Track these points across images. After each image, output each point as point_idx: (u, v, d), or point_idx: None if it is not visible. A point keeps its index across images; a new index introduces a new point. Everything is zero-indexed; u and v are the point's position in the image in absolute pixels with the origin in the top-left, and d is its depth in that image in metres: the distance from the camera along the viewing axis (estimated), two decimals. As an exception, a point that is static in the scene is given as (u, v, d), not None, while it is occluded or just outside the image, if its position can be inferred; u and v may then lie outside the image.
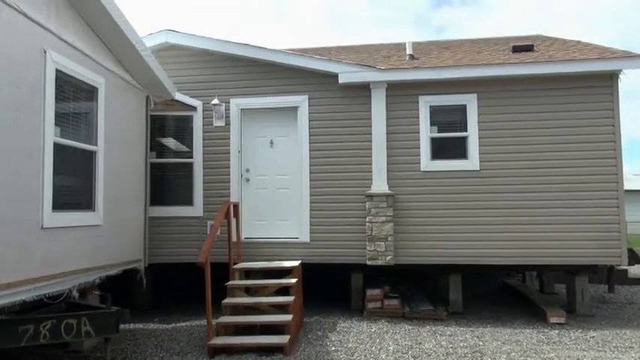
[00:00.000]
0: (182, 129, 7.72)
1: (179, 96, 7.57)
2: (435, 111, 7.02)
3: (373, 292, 7.03)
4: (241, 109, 7.50)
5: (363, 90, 7.11)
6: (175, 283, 8.43)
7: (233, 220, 6.99)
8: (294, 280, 6.06)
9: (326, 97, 7.25)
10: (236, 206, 7.06)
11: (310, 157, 7.22)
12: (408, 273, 7.78)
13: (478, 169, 6.82)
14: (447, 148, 6.97)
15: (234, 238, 6.96)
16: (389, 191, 6.89)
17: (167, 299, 8.06)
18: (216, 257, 6.70)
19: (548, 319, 6.53)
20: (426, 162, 6.94)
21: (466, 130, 6.91)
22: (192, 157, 7.55)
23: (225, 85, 7.55)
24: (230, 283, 6.18)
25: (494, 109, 6.86)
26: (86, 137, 5.12)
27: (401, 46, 9.39)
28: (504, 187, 6.76)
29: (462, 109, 6.94)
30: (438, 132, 7.01)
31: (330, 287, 8.38)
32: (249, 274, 6.87)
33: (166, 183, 7.67)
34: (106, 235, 5.40)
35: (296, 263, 6.52)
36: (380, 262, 6.75)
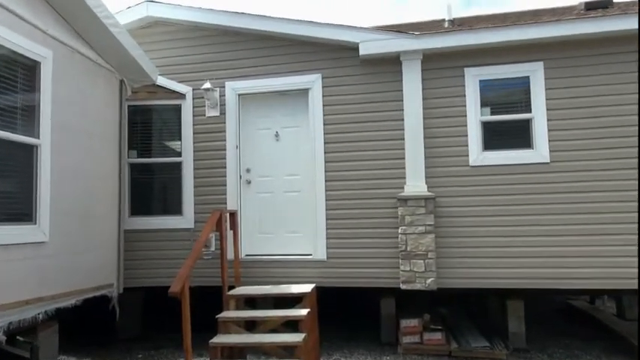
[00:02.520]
0: (169, 121, 6.73)
1: (164, 81, 6.59)
2: (486, 87, 5.74)
3: (409, 324, 5.82)
4: (239, 95, 6.45)
5: (391, 64, 5.92)
6: (171, 309, 7.45)
7: (229, 234, 5.93)
8: (304, 312, 4.91)
9: (344, 75, 6.09)
10: (233, 215, 5.98)
11: (325, 152, 6.07)
12: (450, 293, 6.52)
13: (548, 161, 5.49)
14: (505, 134, 5.67)
15: (230, 256, 5.89)
16: (428, 193, 5.65)
17: (160, 328, 7.06)
18: (211, 280, 5.68)
19: (647, 361, 5.15)
20: (477, 154, 5.67)
21: (530, 111, 5.60)
22: (180, 156, 6.54)
23: (220, 65, 6.51)
24: (223, 315, 5.08)
25: (569, 80, 5.50)
26: (23, 127, 4.13)
27: (437, 23, 8.19)
28: (585, 184, 5.39)
29: (524, 83, 5.64)
30: (492, 114, 5.72)
31: (355, 312, 7.26)
32: (250, 301, 5.78)
33: (150, 188, 6.68)
34: (57, 254, 4.39)
35: (308, 288, 5.35)
36: (418, 287, 5.51)
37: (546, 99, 5.51)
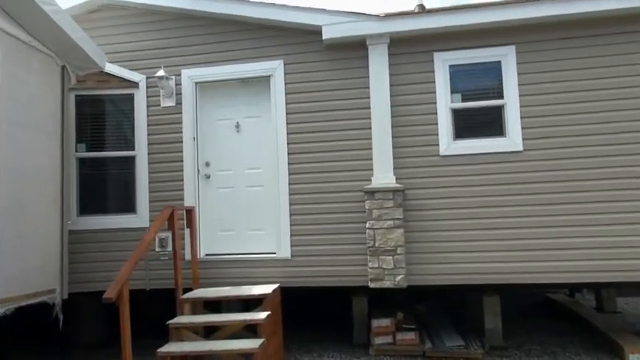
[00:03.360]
0: (121, 112, 6.28)
1: (115, 69, 6.15)
2: (457, 73, 5.47)
3: (381, 324, 5.56)
4: (196, 83, 6.04)
5: (356, 49, 5.60)
6: (140, 313, 7.04)
7: (185, 232, 5.58)
8: (262, 315, 4.55)
9: (307, 61, 5.75)
10: (190, 212, 5.62)
11: (289, 144, 5.73)
12: (427, 289, 6.27)
13: (521, 149, 5.25)
14: (476, 122, 5.42)
15: (187, 256, 5.54)
16: (396, 185, 5.35)
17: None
18: (169, 282, 5.30)
19: (626, 357, 4.99)
20: (447, 143, 5.40)
21: (502, 97, 5.36)
22: (134, 149, 6.11)
23: (175, 52, 6.11)
24: (175, 321, 4.70)
25: (542, 65, 5.27)
26: None
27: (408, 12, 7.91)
28: (560, 173, 5.17)
29: (496, 69, 5.38)
30: (463, 101, 5.45)
31: (329, 312, 6.96)
32: (213, 305, 5.41)
33: (101, 185, 6.23)
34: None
35: (269, 290, 5.01)
36: (387, 284, 5.21)
37: (519, 84, 5.27)
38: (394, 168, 5.41)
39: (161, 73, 5.89)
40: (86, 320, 6.20)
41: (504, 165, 5.27)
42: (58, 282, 5.14)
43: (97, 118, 6.27)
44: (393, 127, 5.45)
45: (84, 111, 6.22)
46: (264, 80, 5.87)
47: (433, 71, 5.44)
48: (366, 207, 5.30)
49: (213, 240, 5.99)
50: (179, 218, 5.41)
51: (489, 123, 5.36)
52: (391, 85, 5.49)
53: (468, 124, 5.39)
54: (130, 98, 6.18)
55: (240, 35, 5.91)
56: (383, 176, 5.39)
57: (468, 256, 5.26)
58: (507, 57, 5.32)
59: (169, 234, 5.84)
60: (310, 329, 6.43)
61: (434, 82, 5.43)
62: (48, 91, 5.12)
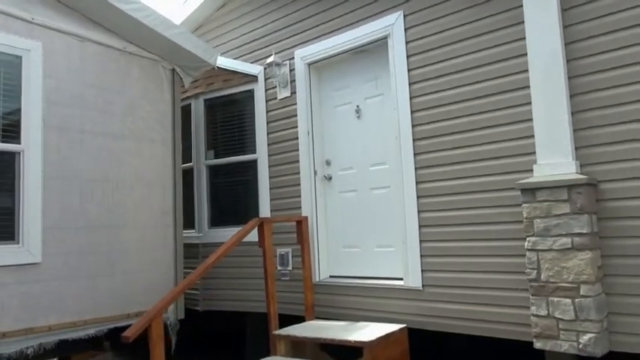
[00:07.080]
0: (243, 111, 6.06)
1: (236, 64, 5.99)
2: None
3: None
4: (308, 64, 5.28)
5: (502, -34, 3.84)
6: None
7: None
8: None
9: (433, 3, 4.28)
10: (301, 224, 4.90)
11: (413, 126, 4.36)
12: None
13: None
14: None
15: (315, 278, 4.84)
16: (577, 176, 3.35)
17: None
18: (286, 307, 4.87)
19: None
20: (681, 92, 3.09)
21: None
22: (255, 152, 5.77)
23: (287, 32, 5.52)
24: (255, 363, 4.00)
25: None
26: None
27: None
28: None
29: None
30: None
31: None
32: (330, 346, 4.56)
33: (230, 193, 6.13)
34: (57, 278, 4.10)
35: (372, 335, 3.78)
36: (564, 347, 3.28)
37: None
38: (575, 147, 3.43)
39: (271, 59, 5.39)
40: (254, 338, 6.09)
41: None
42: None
43: (224, 121, 6.20)
44: (570, 77, 3.48)
45: (213, 115, 6.25)
46: (382, 44, 4.67)
47: (644, -33, 3.23)
48: (524, 214, 3.49)
49: (337, 258, 5.10)
50: (278, 232, 4.75)
51: None
52: (563, 10, 3.52)
53: None
54: (251, 94, 5.88)
55: (350, -8, 4.87)
56: (552, 162, 3.47)
57: None
58: None
59: (290, 250, 5.31)
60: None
61: (646, -14, 3.22)
62: (153, 98, 5.19)
